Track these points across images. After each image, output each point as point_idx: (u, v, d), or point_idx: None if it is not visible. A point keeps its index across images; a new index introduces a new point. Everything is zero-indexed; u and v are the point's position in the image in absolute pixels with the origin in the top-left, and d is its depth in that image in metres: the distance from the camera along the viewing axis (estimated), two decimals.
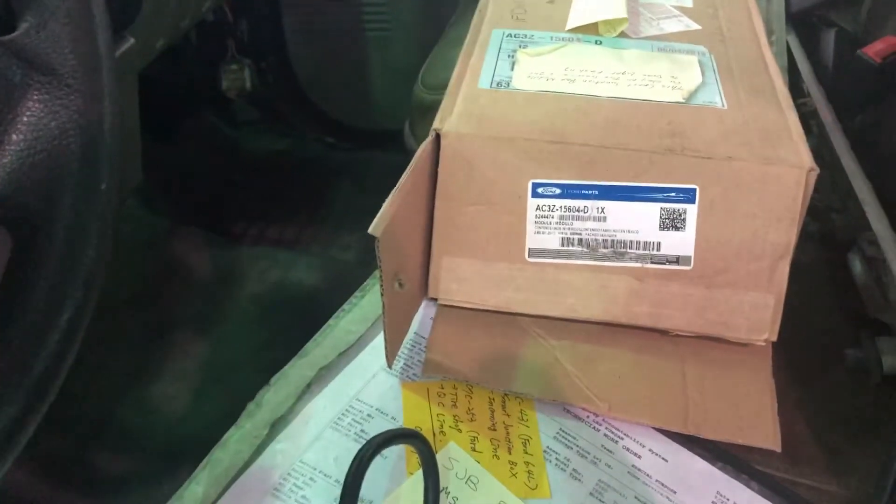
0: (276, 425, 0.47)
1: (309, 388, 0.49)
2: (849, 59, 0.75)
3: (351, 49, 1.38)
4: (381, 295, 0.45)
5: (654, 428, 0.48)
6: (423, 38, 1.28)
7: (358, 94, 1.42)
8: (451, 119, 0.50)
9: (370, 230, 0.42)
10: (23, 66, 0.30)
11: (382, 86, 1.41)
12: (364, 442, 0.38)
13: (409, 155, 0.49)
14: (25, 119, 0.29)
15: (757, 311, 0.49)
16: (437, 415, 0.47)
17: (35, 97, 0.30)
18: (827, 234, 0.66)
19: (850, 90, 0.72)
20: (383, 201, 0.44)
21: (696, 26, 0.62)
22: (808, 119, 0.75)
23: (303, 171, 1.32)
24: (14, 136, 0.29)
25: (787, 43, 0.82)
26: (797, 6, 0.86)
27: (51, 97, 0.30)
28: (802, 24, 0.87)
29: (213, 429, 0.49)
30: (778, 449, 0.46)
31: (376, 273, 0.45)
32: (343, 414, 0.47)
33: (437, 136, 0.50)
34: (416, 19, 1.34)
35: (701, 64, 0.57)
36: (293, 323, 0.65)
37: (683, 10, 0.65)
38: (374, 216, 0.43)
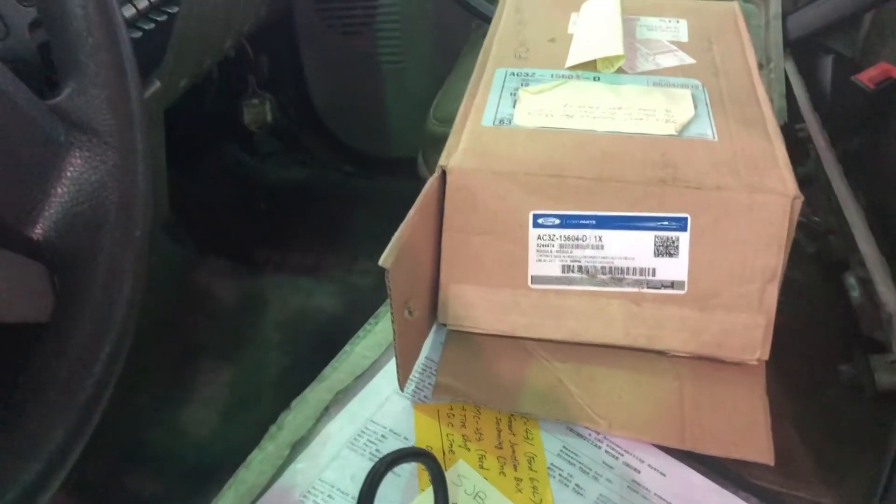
0: (297, 446, 0.50)
1: (327, 411, 0.52)
2: (845, 84, 0.77)
3: (367, 80, 1.43)
4: (392, 322, 0.48)
5: (652, 444, 0.50)
6: (437, 69, 1.32)
7: (374, 124, 1.47)
8: (456, 155, 0.54)
9: (381, 262, 0.45)
10: (66, 126, 0.34)
11: (397, 115, 1.46)
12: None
13: (422, 183, 0.52)
14: (69, 174, 0.33)
15: (749, 332, 0.51)
16: (447, 434, 0.50)
17: (77, 154, 0.33)
18: (823, 254, 0.68)
19: (845, 115, 0.75)
20: (399, 227, 0.47)
21: (690, 60, 0.65)
22: (806, 144, 0.78)
23: (322, 199, 1.36)
24: (59, 190, 0.33)
25: (785, 70, 0.85)
26: (795, 33, 0.89)
27: (91, 154, 0.33)
28: (801, 51, 0.90)
29: (238, 451, 0.52)
30: (771, 463, 0.48)
31: (388, 302, 0.48)
32: (359, 435, 0.50)
33: (443, 172, 0.53)
34: (428, 51, 1.38)
35: (694, 97, 0.60)
36: (315, 348, 0.68)
37: (679, 44, 0.68)
38: (390, 240, 0.46)
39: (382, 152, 1.47)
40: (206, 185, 1.32)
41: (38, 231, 0.32)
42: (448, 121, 0.78)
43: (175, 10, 0.75)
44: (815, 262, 0.69)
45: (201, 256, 1.10)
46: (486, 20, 1.09)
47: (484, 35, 0.72)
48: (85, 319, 0.31)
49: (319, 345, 0.61)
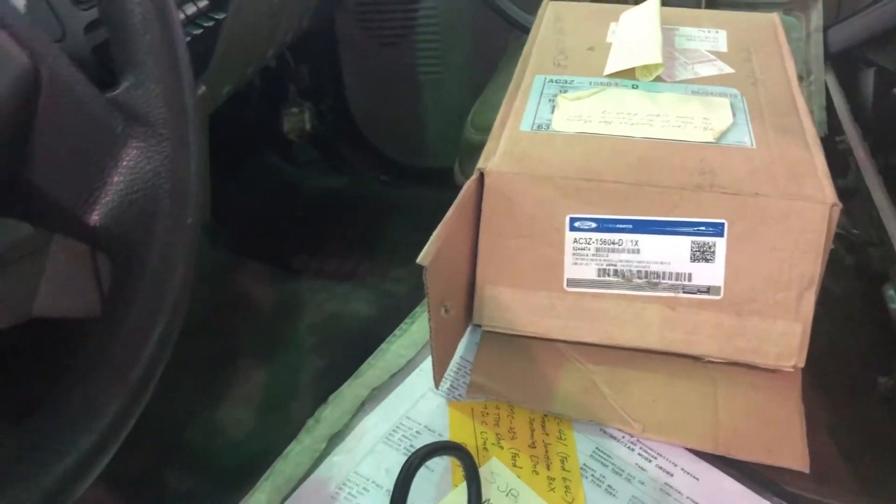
0: (333, 440, 0.51)
1: (363, 407, 0.53)
2: (886, 97, 0.77)
3: (405, 91, 1.45)
4: (429, 320, 0.49)
5: (686, 448, 0.50)
6: (474, 80, 1.33)
7: (411, 134, 1.48)
8: (494, 159, 0.55)
9: (419, 260, 0.46)
10: (124, 118, 0.35)
11: (434, 125, 1.47)
12: None
13: (457, 192, 0.53)
14: (125, 164, 0.34)
15: (785, 339, 0.51)
16: (481, 433, 0.50)
17: (133, 145, 0.35)
18: (863, 266, 0.68)
19: (886, 128, 0.74)
20: (436, 228, 0.48)
21: (729, 70, 0.66)
22: (846, 156, 0.77)
23: (358, 207, 1.38)
24: (116, 178, 0.34)
25: (826, 82, 0.85)
26: (836, 46, 0.89)
27: (146, 145, 0.35)
28: (841, 64, 0.89)
29: (272, 450, 0.53)
30: (806, 470, 0.48)
31: (425, 302, 0.49)
32: (394, 430, 0.50)
33: (481, 175, 0.54)
34: (466, 62, 1.40)
35: (732, 106, 0.60)
36: (349, 351, 0.69)
37: (718, 54, 0.68)
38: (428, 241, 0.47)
39: (418, 162, 1.49)
40: (246, 191, 1.34)
41: (95, 217, 0.33)
42: (485, 129, 0.78)
43: (222, 16, 0.77)
44: (855, 274, 0.68)
45: (240, 260, 1.12)
46: (525, 31, 1.11)
47: (522, 46, 0.73)
48: (137, 303, 0.33)
49: (353, 349, 0.62)
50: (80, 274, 0.41)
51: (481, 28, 1.35)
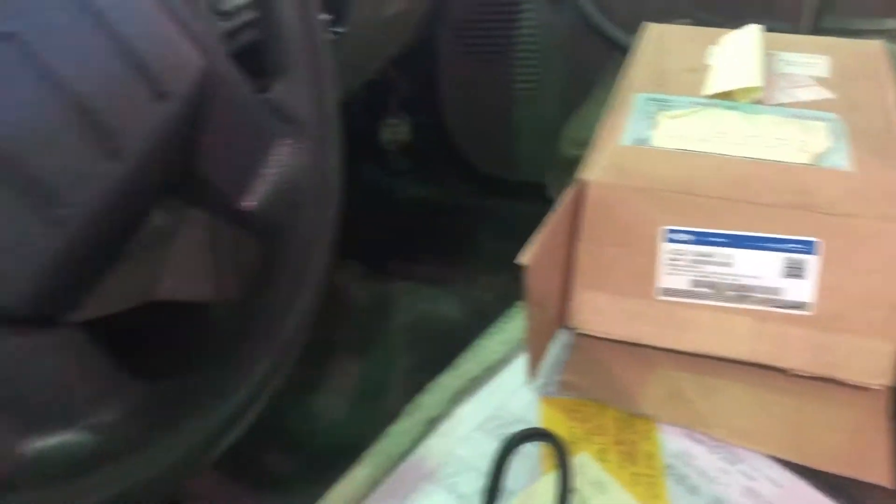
0: (431, 424, 0.55)
1: (459, 396, 0.57)
2: None
3: (499, 105, 1.48)
4: (527, 318, 0.52)
5: (769, 457, 0.52)
6: (568, 97, 1.36)
7: (503, 148, 1.52)
8: (596, 170, 0.58)
9: (519, 259, 0.50)
10: (276, 118, 0.40)
11: (526, 140, 1.50)
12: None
13: (549, 205, 0.57)
14: (276, 158, 0.39)
15: (874, 357, 0.53)
16: (571, 427, 0.53)
17: (283, 142, 0.40)
18: None
19: None
20: (522, 247, 0.52)
21: (829, 95, 0.67)
22: None
23: (449, 216, 1.43)
24: (268, 171, 0.39)
25: None
26: None
27: (294, 142, 0.40)
28: None
29: (365, 436, 0.57)
30: (890, 486, 0.49)
31: (519, 304, 0.52)
32: (489, 419, 0.54)
33: (582, 184, 0.57)
34: (562, 79, 1.42)
35: (830, 130, 0.61)
36: (438, 351, 0.73)
37: (819, 80, 0.69)
38: (512, 261, 0.51)
39: (508, 175, 1.52)
40: (344, 197, 1.40)
41: (249, 204, 0.38)
42: (580, 145, 0.81)
43: (342, 30, 0.82)
44: None
45: (339, 259, 1.18)
46: (624, 52, 1.13)
47: (620, 67, 0.76)
48: (283, 282, 0.37)
49: (442, 349, 0.66)
50: (214, 261, 0.46)
51: (578, 46, 1.38)
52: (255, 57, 0.42)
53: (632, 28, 1.18)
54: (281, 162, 0.39)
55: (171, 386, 0.34)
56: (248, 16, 0.58)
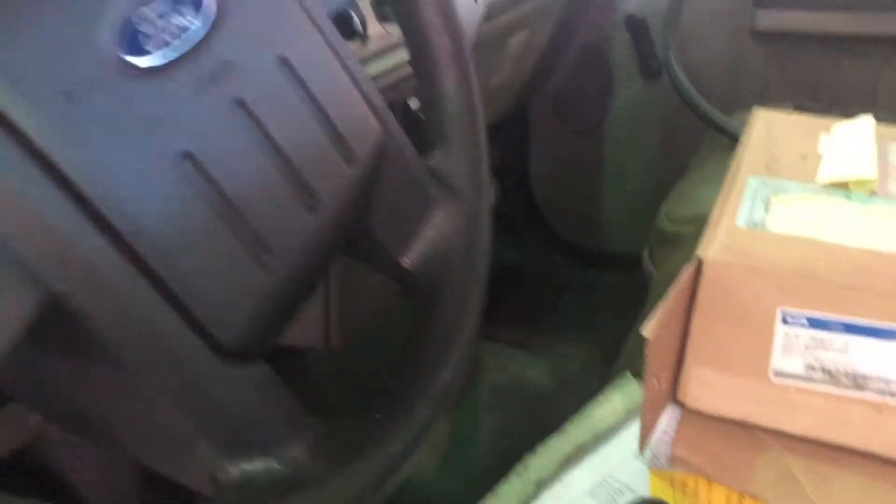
0: (540, 485, 0.56)
1: (568, 460, 0.58)
2: None
3: (588, 177, 1.51)
4: (644, 390, 0.53)
5: None
6: (658, 173, 1.39)
7: (589, 218, 1.54)
8: (713, 249, 0.59)
9: (643, 331, 0.51)
10: (436, 184, 0.43)
11: (612, 213, 1.52)
12: None
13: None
14: (433, 220, 0.42)
15: None
16: (680, 501, 0.54)
17: (441, 205, 0.43)
18: None
19: None
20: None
21: None
22: None
23: (533, 283, 1.45)
24: (427, 233, 0.42)
25: None
26: None
27: (451, 206, 0.43)
28: None
29: (455, 494, 0.59)
30: None
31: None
32: (599, 485, 0.55)
33: (700, 262, 0.59)
34: (652, 155, 1.45)
35: None
36: (525, 415, 0.74)
37: None
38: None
39: (592, 245, 1.54)
40: None
41: (406, 261, 0.41)
42: (679, 221, 0.83)
43: None
44: None
45: None
46: (721, 131, 1.15)
47: (720, 146, 0.78)
48: (437, 336, 0.40)
49: (529, 413, 0.68)
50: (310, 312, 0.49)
51: (671, 123, 1.41)
52: (416, 124, 0.45)
53: (726, 108, 1.21)
54: (438, 225, 0.42)
55: (345, 426, 0.36)
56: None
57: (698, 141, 1.23)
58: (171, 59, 0.32)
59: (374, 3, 0.63)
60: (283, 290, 0.33)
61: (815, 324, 0.56)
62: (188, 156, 0.31)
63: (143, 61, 0.32)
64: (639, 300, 0.87)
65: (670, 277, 0.59)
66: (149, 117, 0.31)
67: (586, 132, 1.47)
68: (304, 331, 0.50)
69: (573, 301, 1.39)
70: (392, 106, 0.60)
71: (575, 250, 1.55)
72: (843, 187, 0.68)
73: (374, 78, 0.62)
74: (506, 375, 1.07)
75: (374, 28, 0.64)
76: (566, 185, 1.54)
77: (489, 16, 0.91)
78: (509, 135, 1.54)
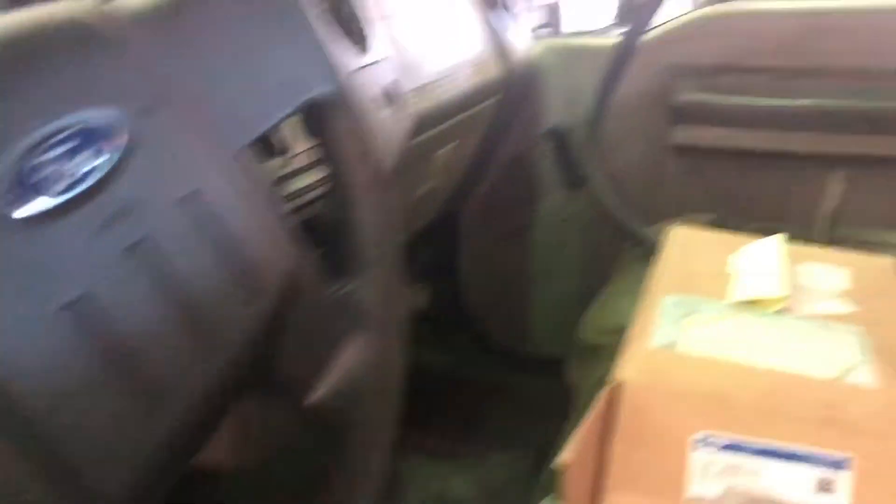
0: None
1: None
2: None
3: (517, 282, 1.53)
4: None
5: None
6: (584, 279, 1.41)
7: (518, 323, 1.55)
8: (629, 372, 0.60)
9: (560, 460, 0.51)
10: (347, 314, 0.42)
11: (541, 317, 1.53)
12: None
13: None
14: (343, 354, 0.41)
15: None
16: None
17: (351, 338, 0.42)
18: None
19: None
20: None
21: (853, 308, 0.70)
22: None
23: (462, 388, 1.43)
24: (335, 365, 0.41)
25: None
26: None
27: (362, 339, 0.42)
28: None
29: None
30: None
31: (550, 498, 0.53)
32: None
33: (618, 385, 0.59)
34: (578, 261, 1.48)
35: (856, 344, 0.64)
36: None
37: (843, 292, 0.73)
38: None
39: (523, 349, 1.54)
40: None
41: (316, 396, 0.40)
42: (601, 332, 0.84)
43: None
44: None
45: None
46: (638, 242, 1.18)
47: (636, 257, 0.79)
48: (346, 465, 0.38)
49: None
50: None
51: (595, 231, 1.44)
52: (327, 249, 0.45)
53: (648, 217, 1.24)
54: (347, 358, 0.41)
55: None
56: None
57: (621, 248, 1.26)
58: (62, 201, 0.31)
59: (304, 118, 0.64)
60: (176, 438, 0.31)
61: (729, 447, 0.56)
62: (73, 306, 0.29)
63: (30, 208, 0.30)
64: (567, 406, 0.86)
65: (593, 390, 0.58)
66: (31, 267, 0.29)
67: (514, 237, 1.49)
68: (215, 450, 0.47)
69: (502, 407, 1.37)
70: (316, 220, 0.60)
71: (504, 354, 1.54)
72: (754, 306, 0.70)
73: (298, 192, 0.61)
74: (431, 490, 1.04)
75: (303, 143, 0.64)
76: (495, 288, 1.55)
77: (417, 131, 0.92)
78: (440, 238, 1.55)
